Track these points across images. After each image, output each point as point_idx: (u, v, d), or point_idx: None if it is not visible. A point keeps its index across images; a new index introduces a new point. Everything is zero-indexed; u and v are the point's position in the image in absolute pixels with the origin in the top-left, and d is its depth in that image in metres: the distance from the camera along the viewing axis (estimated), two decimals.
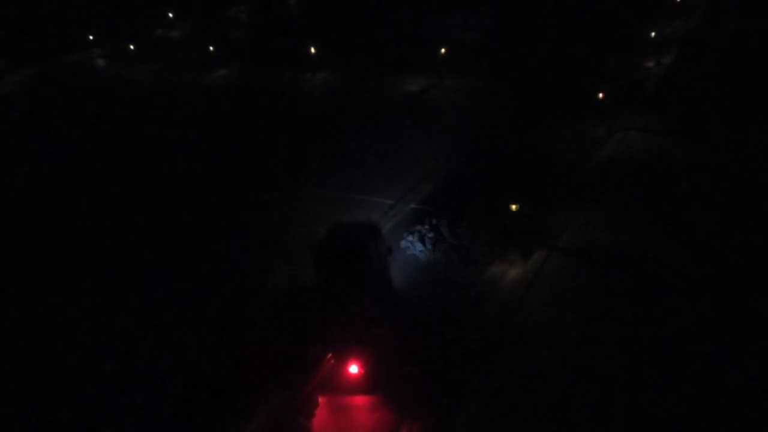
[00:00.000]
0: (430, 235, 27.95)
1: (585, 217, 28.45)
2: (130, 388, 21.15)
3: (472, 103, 44.53)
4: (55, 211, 35.61)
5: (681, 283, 23.33)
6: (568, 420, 18.33)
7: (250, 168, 38.43)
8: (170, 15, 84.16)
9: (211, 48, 64.99)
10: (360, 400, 18.61)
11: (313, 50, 56.86)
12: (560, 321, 22.22)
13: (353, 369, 19.08)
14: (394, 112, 44.67)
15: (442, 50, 51.24)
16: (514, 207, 26.28)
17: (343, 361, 19.32)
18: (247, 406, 18.09)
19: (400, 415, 18.03)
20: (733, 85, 41.03)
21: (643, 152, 34.08)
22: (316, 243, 23.36)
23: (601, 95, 37.89)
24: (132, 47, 70.46)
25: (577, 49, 51.31)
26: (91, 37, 75.77)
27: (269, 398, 18.09)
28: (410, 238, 28.02)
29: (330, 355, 19.44)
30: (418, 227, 28.54)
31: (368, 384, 18.93)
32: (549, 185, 31.07)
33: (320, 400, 18.63)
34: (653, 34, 50.83)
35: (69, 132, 48.61)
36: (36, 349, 24.24)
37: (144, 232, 32.10)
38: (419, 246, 27.37)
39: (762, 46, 46.58)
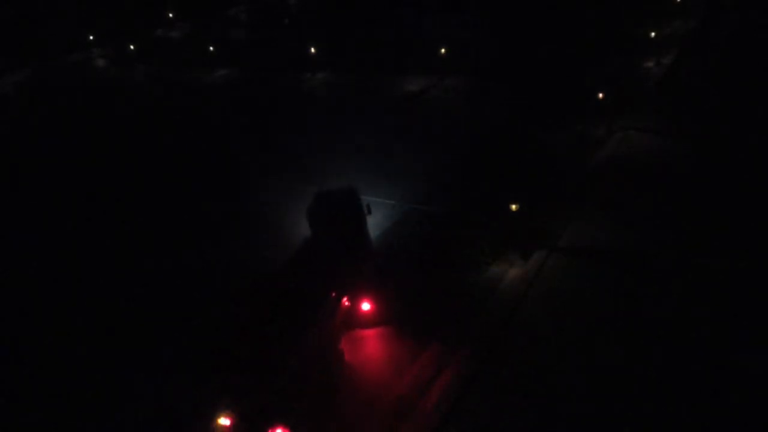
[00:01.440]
0: (431, 235, 28.03)
1: (585, 217, 28.46)
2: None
3: (471, 102, 44.55)
4: (55, 210, 35.64)
5: (682, 284, 23.34)
6: (568, 420, 18.33)
7: (250, 168, 38.47)
8: (170, 15, 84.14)
9: (211, 48, 64.98)
10: (374, 332, 22.23)
11: (313, 50, 56.88)
12: (560, 321, 22.23)
13: (365, 306, 22.28)
14: (394, 111, 44.70)
15: (442, 50, 51.22)
16: (514, 207, 26.28)
17: (356, 301, 22.36)
18: (280, 351, 20.17)
19: (411, 340, 21.59)
20: (733, 84, 41.00)
21: (643, 152, 34.06)
22: (307, 209, 25.46)
23: (601, 95, 37.86)
24: (132, 47, 70.45)
25: (577, 49, 51.28)
26: (91, 37, 75.77)
27: (300, 341, 20.29)
28: (410, 237, 28.10)
29: (345, 297, 22.30)
30: (419, 227, 28.62)
31: (380, 317, 22.40)
32: (549, 185, 31.07)
33: (342, 336, 21.97)
34: (653, 34, 50.79)
35: (68, 132, 48.64)
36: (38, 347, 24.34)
37: (143, 230, 32.17)
38: (418, 245, 27.41)
39: (762, 45, 46.53)
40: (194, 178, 37.87)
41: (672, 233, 26.41)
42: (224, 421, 18.21)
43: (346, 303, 22.71)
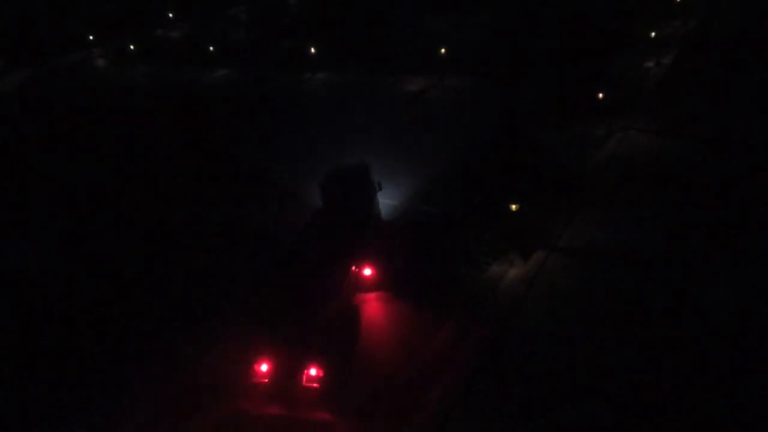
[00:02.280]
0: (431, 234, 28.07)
1: (585, 217, 28.47)
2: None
3: (471, 103, 44.55)
4: (55, 211, 35.62)
5: (681, 283, 23.35)
6: (568, 420, 18.34)
7: (250, 169, 38.45)
8: (170, 15, 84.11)
9: (211, 48, 64.95)
10: (374, 296, 24.68)
11: (313, 50, 56.86)
12: (560, 321, 22.25)
13: (367, 272, 24.70)
14: (394, 112, 44.68)
15: (442, 50, 51.22)
16: (514, 207, 26.30)
17: (360, 268, 24.70)
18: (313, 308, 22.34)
19: (405, 303, 24.13)
20: (733, 84, 41.02)
21: (643, 152, 34.09)
22: (320, 183, 26.47)
23: (601, 95, 37.87)
24: (132, 47, 70.41)
25: (578, 48, 51.25)
26: (91, 37, 75.73)
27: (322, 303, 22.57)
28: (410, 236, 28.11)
29: (353, 266, 24.41)
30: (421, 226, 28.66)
31: (379, 283, 24.80)
32: (549, 185, 31.08)
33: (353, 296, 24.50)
34: (653, 34, 50.82)
35: (68, 132, 48.60)
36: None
37: (142, 230, 32.17)
38: (418, 244, 27.43)
39: (762, 45, 46.55)
40: (194, 179, 37.83)
41: (672, 233, 26.43)
42: (263, 367, 20.17)
43: (354, 269, 24.60)
